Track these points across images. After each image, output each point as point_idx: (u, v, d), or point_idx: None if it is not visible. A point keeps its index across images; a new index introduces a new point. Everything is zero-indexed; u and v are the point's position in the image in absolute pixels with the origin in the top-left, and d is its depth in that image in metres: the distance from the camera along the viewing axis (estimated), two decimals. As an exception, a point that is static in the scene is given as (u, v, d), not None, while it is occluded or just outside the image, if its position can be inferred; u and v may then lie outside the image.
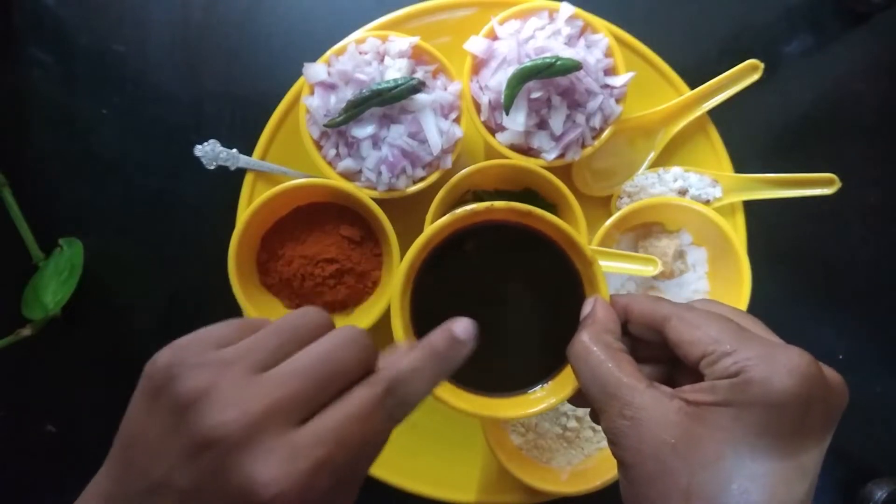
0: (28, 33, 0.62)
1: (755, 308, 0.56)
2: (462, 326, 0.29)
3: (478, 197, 0.58)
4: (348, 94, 0.52)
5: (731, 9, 0.65)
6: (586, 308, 0.34)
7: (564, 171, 0.58)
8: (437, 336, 0.29)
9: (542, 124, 0.54)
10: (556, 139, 0.54)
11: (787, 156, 0.64)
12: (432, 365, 0.28)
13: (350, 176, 0.54)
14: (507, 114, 0.53)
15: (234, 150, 0.58)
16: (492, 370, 0.36)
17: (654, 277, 0.59)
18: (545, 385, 0.35)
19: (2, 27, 0.61)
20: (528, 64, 0.51)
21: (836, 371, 0.29)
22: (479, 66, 0.55)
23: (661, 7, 0.64)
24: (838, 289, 0.64)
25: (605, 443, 0.56)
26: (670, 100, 0.60)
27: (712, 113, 0.60)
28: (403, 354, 0.27)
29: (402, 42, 0.53)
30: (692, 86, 0.60)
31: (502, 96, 0.52)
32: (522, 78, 0.51)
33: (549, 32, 0.54)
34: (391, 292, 0.34)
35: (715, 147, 0.61)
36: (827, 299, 0.64)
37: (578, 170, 0.60)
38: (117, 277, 0.61)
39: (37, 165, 0.61)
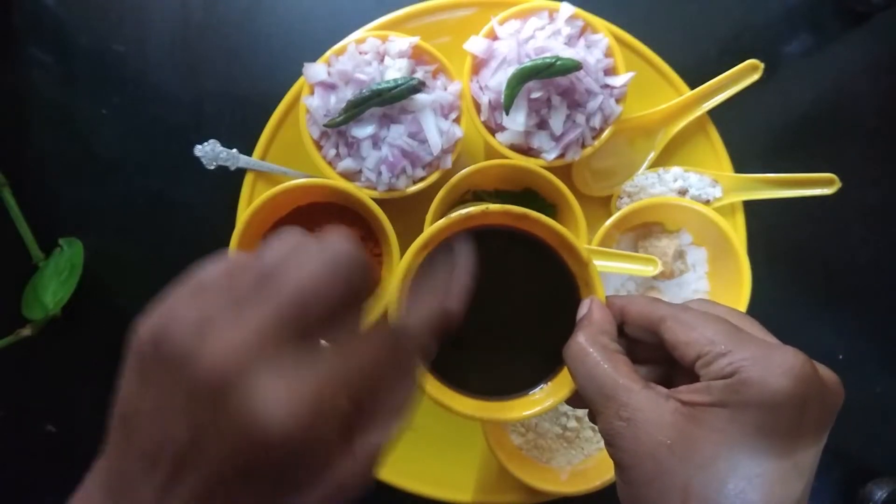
0: (28, 33, 0.62)
1: (755, 308, 0.56)
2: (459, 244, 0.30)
3: (478, 197, 0.58)
4: (348, 94, 0.52)
5: (731, 9, 0.65)
6: (582, 309, 0.34)
7: (564, 171, 0.58)
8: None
9: (542, 124, 0.54)
10: (556, 139, 0.54)
11: (787, 156, 0.64)
12: (431, 316, 0.27)
13: (350, 176, 0.54)
14: (507, 114, 0.53)
15: (234, 150, 0.58)
16: (489, 373, 0.36)
17: (654, 277, 0.59)
18: (542, 387, 0.35)
19: (2, 27, 0.61)
20: (528, 64, 0.51)
21: (831, 370, 0.29)
22: (479, 66, 0.55)
23: (661, 7, 0.64)
24: (838, 289, 0.64)
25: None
26: (670, 100, 0.60)
27: (712, 113, 0.60)
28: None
29: (402, 42, 0.53)
30: (692, 86, 0.60)
31: (502, 96, 0.52)
32: (522, 78, 0.51)
33: (549, 32, 0.54)
34: (388, 296, 0.34)
35: (715, 147, 0.61)
36: (827, 299, 0.64)
37: (578, 170, 0.60)
38: (117, 277, 0.61)
39: (37, 165, 0.61)
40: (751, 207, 0.61)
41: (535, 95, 0.52)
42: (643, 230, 0.61)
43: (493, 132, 0.55)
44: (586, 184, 0.61)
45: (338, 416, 0.22)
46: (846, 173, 0.58)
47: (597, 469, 0.55)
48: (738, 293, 0.56)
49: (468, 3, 0.59)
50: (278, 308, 0.22)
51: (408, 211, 0.55)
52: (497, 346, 0.37)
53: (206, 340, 0.21)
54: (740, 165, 0.61)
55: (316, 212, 0.57)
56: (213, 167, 0.58)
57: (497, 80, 0.53)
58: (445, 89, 0.54)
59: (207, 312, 0.22)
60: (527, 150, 0.55)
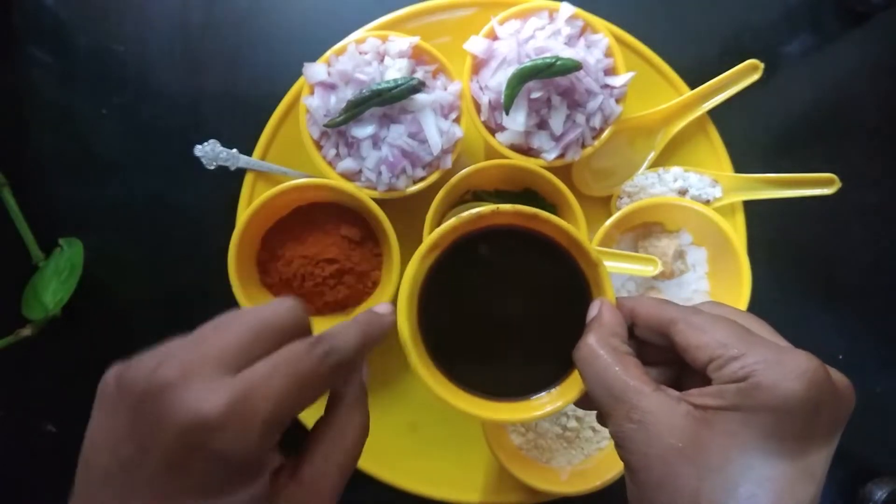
0: (28, 33, 0.62)
1: (755, 308, 0.55)
2: (383, 305, 0.34)
3: (478, 197, 0.58)
4: (348, 94, 0.52)
5: (731, 9, 0.65)
6: (592, 311, 0.34)
7: (564, 171, 0.58)
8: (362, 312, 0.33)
9: (542, 124, 0.54)
10: (556, 139, 0.54)
11: (787, 156, 0.64)
12: (358, 326, 0.30)
13: (350, 176, 0.54)
14: (507, 114, 0.53)
15: (234, 150, 0.58)
16: (499, 373, 0.36)
17: (654, 277, 0.59)
18: (552, 388, 0.35)
19: (2, 27, 0.61)
20: (528, 64, 0.51)
21: (843, 374, 0.29)
22: (479, 66, 0.55)
23: (661, 7, 0.64)
24: (838, 289, 0.64)
25: (605, 443, 0.56)
26: (670, 100, 0.60)
27: (712, 113, 0.60)
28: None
29: (402, 42, 0.53)
30: (692, 86, 0.60)
31: (502, 96, 0.52)
32: (522, 78, 0.51)
33: (549, 32, 0.54)
34: (399, 297, 0.34)
35: (715, 147, 0.61)
36: (827, 299, 0.64)
37: (578, 170, 0.60)
38: (117, 277, 0.61)
39: (37, 165, 0.61)
40: (751, 207, 0.61)
41: (535, 95, 0.52)
42: (643, 230, 0.61)
43: (493, 132, 0.55)
44: (586, 184, 0.61)
45: (265, 423, 0.24)
46: (846, 173, 0.58)
47: (597, 469, 0.55)
48: (738, 293, 0.56)
49: (468, 3, 0.59)
50: (225, 340, 0.26)
51: (408, 211, 0.55)
52: (506, 347, 0.37)
53: (158, 364, 0.25)
54: (740, 165, 0.61)
55: (316, 212, 0.57)
56: (213, 167, 0.58)
57: (497, 80, 0.53)
58: (445, 89, 0.54)
59: (167, 352, 0.26)
60: (527, 150, 0.55)
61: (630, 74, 0.54)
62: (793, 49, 0.65)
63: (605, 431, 0.56)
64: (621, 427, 0.29)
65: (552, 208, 0.58)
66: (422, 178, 0.54)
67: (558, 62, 0.51)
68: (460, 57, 0.55)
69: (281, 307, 0.28)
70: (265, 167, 0.58)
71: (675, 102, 0.60)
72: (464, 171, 0.54)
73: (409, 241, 0.53)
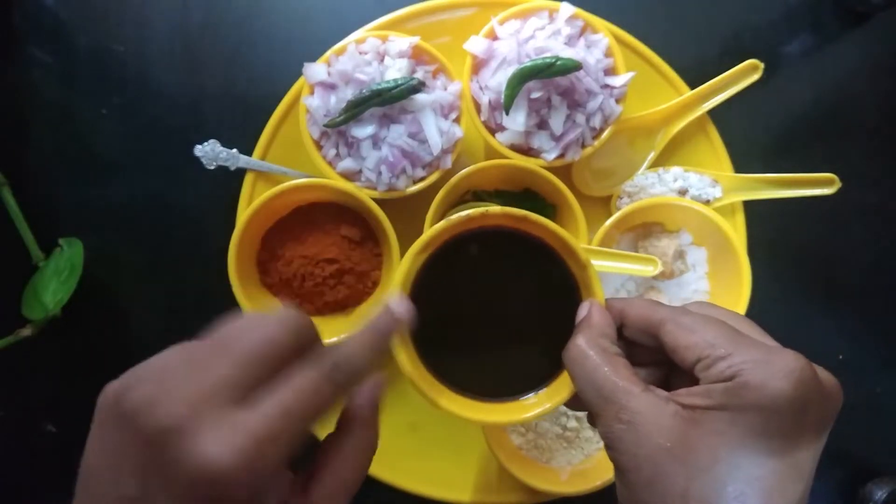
0: (28, 33, 0.62)
1: (755, 308, 0.56)
2: (394, 299, 0.32)
3: (478, 197, 0.58)
4: (348, 94, 0.52)
5: (731, 9, 0.65)
6: (582, 312, 0.34)
7: (564, 171, 0.58)
8: (372, 312, 0.31)
9: (542, 124, 0.54)
10: (556, 139, 0.54)
11: (787, 156, 0.64)
12: (369, 333, 0.30)
13: (350, 176, 0.54)
14: (507, 114, 0.53)
15: (234, 150, 0.58)
16: (488, 375, 0.36)
17: (654, 277, 0.59)
18: (541, 389, 0.35)
19: (2, 27, 0.61)
20: (528, 64, 0.51)
21: (830, 373, 0.29)
22: (479, 66, 0.55)
23: (661, 7, 0.64)
24: (838, 289, 0.64)
25: (604, 443, 0.56)
26: (670, 100, 0.60)
27: (712, 113, 0.60)
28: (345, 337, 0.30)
29: (402, 42, 0.53)
30: (692, 86, 0.60)
31: (502, 96, 0.52)
32: (522, 78, 0.51)
33: (549, 32, 0.54)
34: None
35: (715, 147, 0.61)
36: (827, 299, 0.64)
37: (578, 170, 0.60)
38: (117, 277, 0.61)
39: (37, 165, 0.61)
40: (751, 207, 0.61)
41: (535, 95, 0.52)
42: (643, 230, 0.61)
43: (493, 132, 0.55)
44: (586, 184, 0.61)
45: (271, 463, 0.23)
46: (846, 173, 0.58)
47: (597, 469, 0.55)
48: (738, 293, 0.56)
49: (468, 3, 0.59)
50: (230, 366, 0.24)
51: (408, 211, 0.55)
52: (496, 348, 0.37)
53: (161, 394, 0.23)
54: (740, 165, 0.61)
55: (316, 212, 0.57)
56: (213, 167, 0.58)
57: (497, 80, 0.53)
58: (445, 89, 0.54)
59: (167, 374, 0.24)
60: (527, 150, 0.55)
61: (630, 74, 0.54)
62: (793, 49, 0.65)
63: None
64: (611, 428, 0.29)
65: (552, 208, 0.58)
66: (422, 178, 0.54)
67: (558, 62, 0.51)
68: (460, 57, 0.55)
69: (286, 322, 0.27)
70: (265, 167, 0.58)
71: (675, 102, 0.60)
72: (464, 171, 0.54)
73: (409, 241, 0.52)
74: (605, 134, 0.55)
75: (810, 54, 0.65)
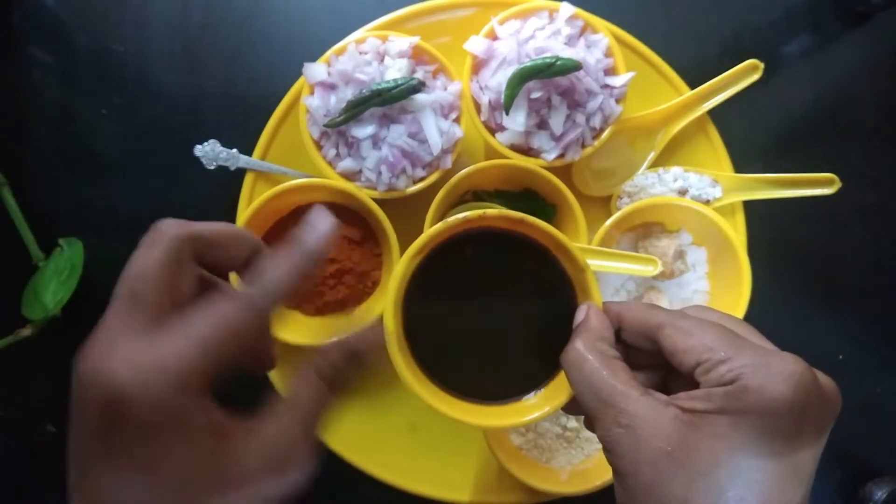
0: (28, 33, 0.62)
1: (755, 308, 0.56)
2: (316, 213, 0.32)
3: (478, 197, 0.58)
4: (348, 94, 0.52)
5: (731, 9, 0.65)
6: (580, 315, 0.34)
7: (564, 171, 0.58)
8: (298, 230, 0.31)
9: (542, 124, 0.54)
10: (556, 139, 0.54)
11: (787, 156, 0.64)
12: (289, 254, 0.30)
13: (350, 176, 0.54)
14: (507, 114, 0.53)
15: (234, 150, 0.58)
16: (485, 378, 0.36)
17: (654, 277, 0.59)
18: (539, 392, 0.35)
19: (2, 27, 0.61)
20: (528, 64, 0.51)
21: (829, 377, 0.29)
22: (479, 66, 0.55)
23: (661, 7, 0.64)
24: (839, 289, 0.64)
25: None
26: (670, 100, 0.60)
27: (712, 113, 0.60)
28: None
29: (402, 42, 0.53)
30: (692, 86, 0.60)
31: (502, 96, 0.52)
32: (522, 78, 0.51)
33: (549, 32, 0.54)
34: (385, 300, 0.34)
35: (715, 147, 0.61)
36: (827, 299, 0.64)
37: (578, 170, 0.60)
38: (117, 277, 0.60)
39: (37, 165, 0.61)
40: (751, 207, 0.61)
41: (535, 95, 0.52)
42: (643, 230, 0.61)
43: (493, 132, 0.55)
44: (586, 184, 0.61)
45: (187, 384, 0.24)
46: (846, 173, 0.58)
47: (597, 469, 0.55)
48: (738, 293, 0.56)
49: (468, 3, 0.59)
50: (123, 293, 0.28)
51: (408, 211, 0.55)
52: (492, 351, 0.36)
53: (97, 338, 0.27)
54: (740, 165, 0.61)
55: (316, 212, 0.56)
56: (213, 167, 0.58)
57: (497, 80, 0.53)
58: (445, 89, 0.54)
59: (108, 319, 0.28)
60: (527, 150, 0.55)
61: (630, 74, 0.54)
62: (793, 49, 0.65)
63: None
64: (609, 432, 0.29)
65: (552, 208, 0.58)
66: (422, 178, 0.54)
67: (558, 62, 0.51)
68: (460, 57, 0.55)
69: (171, 243, 0.30)
70: (265, 167, 0.58)
71: (675, 102, 0.60)
72: (464, 171, 0.54)
73: (409, 241, 0.52)
74: (605, 134, 0.55)
75: (810, 54, 0.65)
